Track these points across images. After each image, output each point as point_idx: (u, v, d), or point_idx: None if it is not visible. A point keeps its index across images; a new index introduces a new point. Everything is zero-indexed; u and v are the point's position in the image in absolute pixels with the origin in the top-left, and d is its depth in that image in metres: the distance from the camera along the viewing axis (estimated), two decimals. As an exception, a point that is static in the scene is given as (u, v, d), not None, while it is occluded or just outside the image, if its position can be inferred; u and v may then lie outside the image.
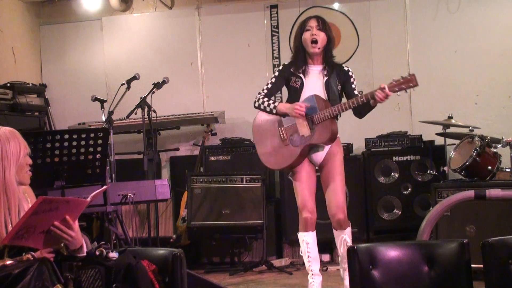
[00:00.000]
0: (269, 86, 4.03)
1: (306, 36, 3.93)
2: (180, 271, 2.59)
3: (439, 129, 5.07)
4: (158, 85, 5.08)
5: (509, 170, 4.60)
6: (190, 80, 6.49)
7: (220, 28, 6.48)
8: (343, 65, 4.08)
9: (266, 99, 3.98)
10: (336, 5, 6.27)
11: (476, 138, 4.64)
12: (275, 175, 5.98)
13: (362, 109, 3.91)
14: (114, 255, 2.41)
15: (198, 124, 6.24)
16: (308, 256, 3.98)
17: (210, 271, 5.39)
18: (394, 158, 5.49)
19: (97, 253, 2.39)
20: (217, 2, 6.54)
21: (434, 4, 6.04)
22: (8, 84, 5.74)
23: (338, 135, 3.98)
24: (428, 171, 5.26)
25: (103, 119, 4.86)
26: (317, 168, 4.07)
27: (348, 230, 3.98)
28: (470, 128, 4.85)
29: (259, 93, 4.02)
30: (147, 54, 6.57)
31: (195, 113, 6.17)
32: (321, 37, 3.91)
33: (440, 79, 6.02)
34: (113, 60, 6.65)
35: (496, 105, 5.89)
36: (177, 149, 6.27)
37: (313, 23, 3.93)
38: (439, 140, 5.35)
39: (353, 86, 3.98)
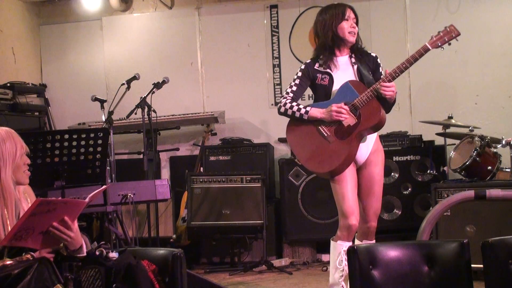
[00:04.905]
0: (294, 88, 3.59)
1: (346, 25, 3.54)
2: (180, 271, 2.59)
3: (439, 129, 5.08)
4: (158, 85, 5.09)
5: (509, 170, 4.60)
6: (190, 80, 6.49)
7: (220, 28, 6.47)
8: (370, 52, 3.69)
9: (294, 103, 3.54)
10: (336, 5, 6.26)
11: (476, 138, 4.64)
12: (275, 175, 5.97)
13: (386, 102, 3.51)
14: (114, 255, 2.41)
15: (198, 124, 6.24)
16: (343, 269, 3.46)
17: (210, 271, 5.38)
18: (394, 158, 5.49)
19: (97, 253, 2.39)
20: (217, 2, 6.54)
21: (434, 4, 6.04)
22: (8, 84, 5.74)
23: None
24: (428, 171, 5.26)
25: (103, 119, 4.86)
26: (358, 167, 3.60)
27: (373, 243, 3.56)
28: (470, 128, 4.85)
29: (284, 97, 3.58)
30: (147, 54, 6.57)
31: (195, 113, 6.17)
32: (357, 31, 3.60)
33: (440, 79, 6.01)
34: (113, 60, 6.65)
35: (496, 105, 5.89)
36: (177, 149, 6.27)
37: (352, 15, 3.58)
38: (439, 140, 5.35)
39: (382, 75, 3.57)
